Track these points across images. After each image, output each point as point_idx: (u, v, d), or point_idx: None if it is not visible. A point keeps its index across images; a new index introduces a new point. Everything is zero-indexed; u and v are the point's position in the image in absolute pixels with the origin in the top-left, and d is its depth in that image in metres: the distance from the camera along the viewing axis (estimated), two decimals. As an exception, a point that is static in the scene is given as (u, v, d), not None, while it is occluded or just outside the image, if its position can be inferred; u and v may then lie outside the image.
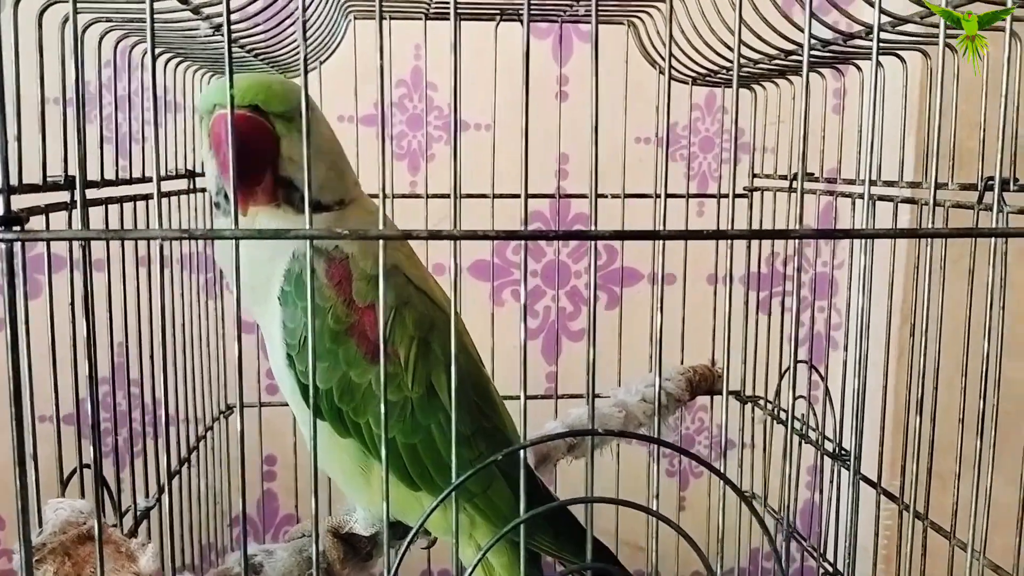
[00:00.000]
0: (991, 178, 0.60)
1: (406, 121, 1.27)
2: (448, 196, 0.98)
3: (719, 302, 1.02)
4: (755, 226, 0.99)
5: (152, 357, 0.72)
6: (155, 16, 0.47)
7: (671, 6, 0.50)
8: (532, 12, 0.93)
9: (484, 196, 0.98)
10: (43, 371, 0.55)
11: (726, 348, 0.53)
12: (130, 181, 0.69)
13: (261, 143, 0.58)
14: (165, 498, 0.69)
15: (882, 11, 0.55)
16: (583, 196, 0.98)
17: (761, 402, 1.02)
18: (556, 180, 1.08)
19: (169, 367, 0.82)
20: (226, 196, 0.61)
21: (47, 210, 0.54)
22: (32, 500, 0.49)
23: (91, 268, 0.52)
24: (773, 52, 0.74)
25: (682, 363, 1.01)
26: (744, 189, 1.02)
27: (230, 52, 0.44)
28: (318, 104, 0.92)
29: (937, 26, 0.52)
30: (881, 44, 0.67)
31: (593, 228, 0.50)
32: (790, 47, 0.72)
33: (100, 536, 0.48)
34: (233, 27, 0.68)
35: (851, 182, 0.83)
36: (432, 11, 0.91)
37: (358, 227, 0.61)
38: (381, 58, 0.47)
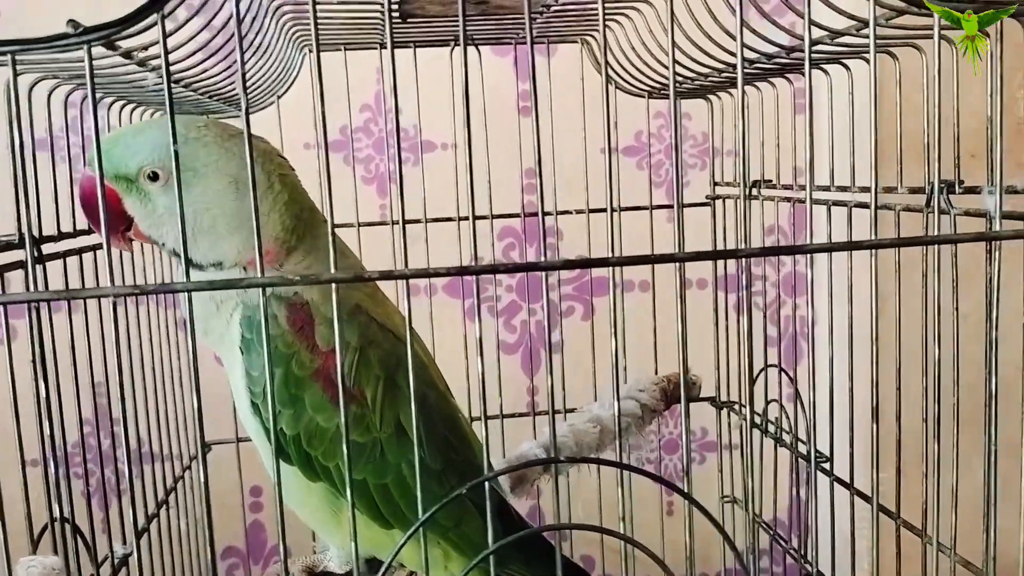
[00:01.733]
0: (944, 181, 0.61)
1: (372, 145, 1.28)
2: (414, 221, 0.99)
3: (688, 311, 1.02)
4: (719, 233, 1.00)
5: (123, 401, 0.72)
6: (101, 70, 0.48)
7: (603, 34, 0.51)
8: (486, 36, 0.94)
9: (450, 219, 0.99)
10: (7, 426, 0.55)
11: (680, 359, 0.54)
12: (88, 231, 0.69)
13: (108, 205, 0.59)
14: (144, 542, 0.69)
15: (818, 25, 0.56)
16: (548, 214, 0.99)
17: (736, 407, 1.02)
18: (523, 196, 1.08)
19: (145, 407, 0.82)
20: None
21: (2, 270, 0.54)
22: (2, 559, 0.49)
23: (51, 320, 0.52)
24: (720, 66, 0.75)
25: (656, 372, 1.02)
26: (707, 197, 1.03)
27: (172, 110, 0.44)
28: (276, 137, 0.93)
29: (868, 36, 0.53)
30: (823, 55, 0.69)
31: (543, 259, 0.50)
32: (733, 60, 0.73)
33: (70, 593, 0.49)
34: (182, 73, 0.69)
35: (802, 188, 0.84)
36: (385, 41, 0.92)
37: (309, 268, 0.62)
38: (323, 101, 0.48)
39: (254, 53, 0.76)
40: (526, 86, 1.21)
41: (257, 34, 0.73)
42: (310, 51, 0.93)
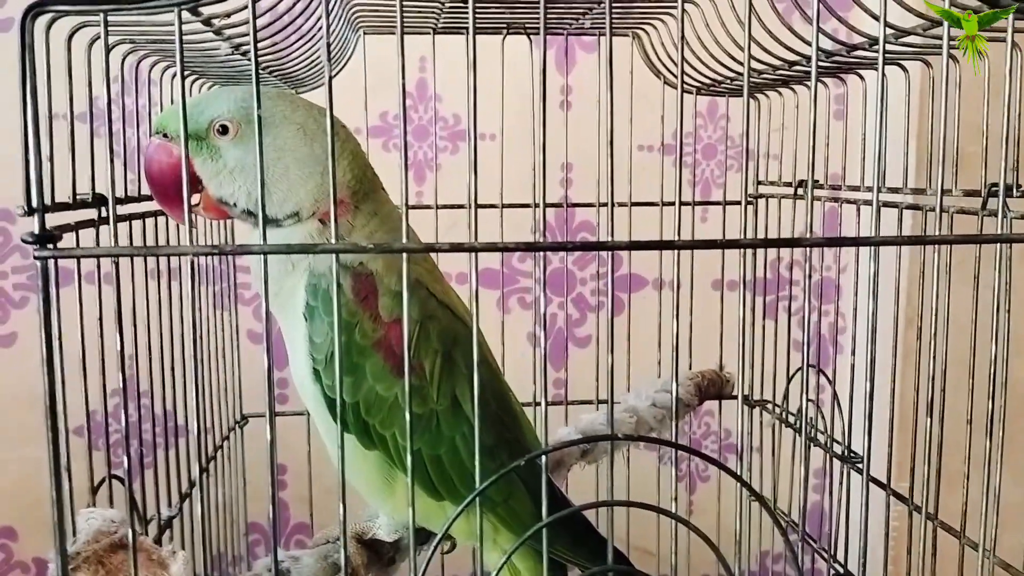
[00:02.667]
0: (995, 184, 0.61)
1: (412, 132, 1.29)
2: (456, 207, 1.00)
3: (726, 308, 1.03)
4: (760, 232, 1.00)
5: (172, 368, 0.74)
6: (180, 36, 0.48)
7: (682, 20, 0.51)
8: (539, 25, 0.95)
9: (493, 206, 1.00)
10: (69, 383, 0.56)
11: (741, 353, 0.54)
12: (152, 197, 0.70)
13: (169, 169, 0.60)
14: (187, 506, 0.70)
15: (886, 24, 0.57)
16: (591, 205, 1.00)
17: (769, 406, 1.03)
18: (563, 189, 1.09)
19: (189, 378, 0.83)
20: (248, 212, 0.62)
21: (77, 227, 0.56)
22: (67, 510, 0.50)
23: (119, 283, 0.54)
24: (777, 63, 0.75)
25: (690, 368, 1.02)
26: (749, 196, 1.03)
27: (257, 82, 0.45)
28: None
29: (940, 37, 0.54)
30: (887, 53, 0.69)
31: (610, 239, 0.51)
32: (793, 58, 0.73)
33: (134, 544, 0.50)
34: (249, 46, 0.70)
35: (855, 188, 0.84)
36: (441, 26, 0.93)
37: (374, 238, 0.63)
38: (403, 77, 0.49)
39: (311, 32, 0.77)
40: (569, 79, 1.22)
41: (317, 11, 0.74)
42: (365, 32, 0.94)
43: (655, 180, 1.01)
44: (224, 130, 0.61)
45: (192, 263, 0.48)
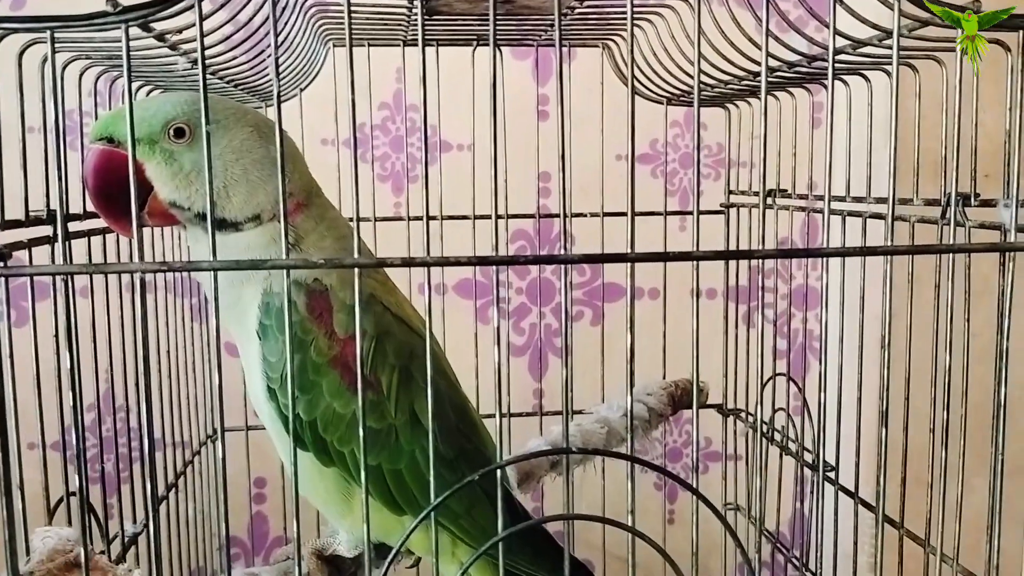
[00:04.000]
0: (951, 193, 0.62)
1: (389, 143, 1.29)
2: (431, 218, 1.00)
3: (701, 317, 1.03)
4: (732, 241, 1.00)
5: (137, 384, 0.73)
6: (133, 52, 0.48)
7: (632, 34, 0.51)
8: (509, 37, 0.95)
9: (465, 217, 1.00)
10: (28, 398, 0.56)
11: (695, 366, 0.54)
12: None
13: (115, 175, 0.57)
14: (152, 524, 0.69)
15: (841, 35, 0.57)
16: (557, 215, 1.00)
17: (743, 415, 1.03)
18: (538, 199, 1.09)
19: (155, 393, 0.83)
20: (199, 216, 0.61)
21: (30, 244, 0.55)
22: (20, 529, 0.50)
23: (75, 299, 0.53)
24: (741, 73, 0.76)
25: (664, 378, 1.02)
26: (721, 205, 1.04)
27: (206, 96, 0.45)
28: (296, 130, 0.94)
29: (890, 47, 0.54)
30: (844, 65, 0.70)
31: (565, 251, 0.51)
32: (756, 68, 0.74)
33: (87, 563, 0.49)
34: (210, 60, 0.70)
35: (824, 198, 0.84)
36: (410, 38, 0.93)
37: (325, 250, 0.62)
38: (353, 92, 0.49)
39: (280, 44, 0.77)
40: (544, 89, 1.22)
41: (285, 25, 0.74)
42: (334, 45, 0.94)
43: (636, 192, 1.01)
44: (180, 133, 0.59)
45: (142, 279, 0.48)
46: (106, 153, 0.58)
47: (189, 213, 0.61)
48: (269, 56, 0.76)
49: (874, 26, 0.59)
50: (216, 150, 0.59)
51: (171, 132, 0.59)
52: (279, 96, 0.47)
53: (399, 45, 0.95)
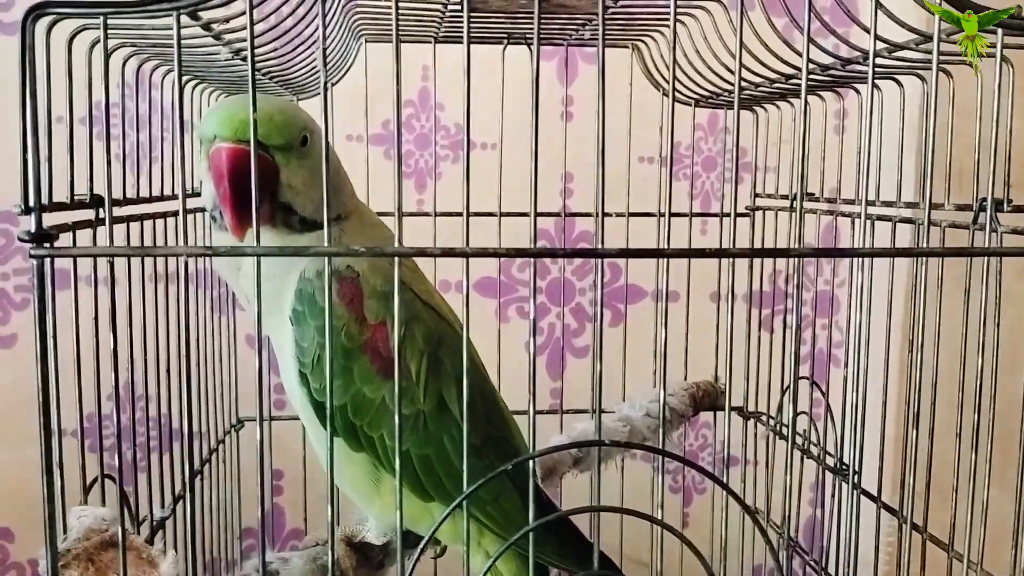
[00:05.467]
0: (986, 198, 0.62)
1: (414, 140, 1.29)
2: (455, 215, 1.01)
3: (722, 319, 1.03)
4: (757, 245, 1.01)
5: (168, 371, 0.74)
6: (180, 41, 0.49)
7: (675, 32, 0.52)
8: (540, 36, 0.95)
9: (491, 214, 1.00)
10: (63, 383, 0.57)
11: (728, 364, 0.55)
12: (150, 199, 0.71)
13: (261, 177, 0.57)
14: (180, 508, 0.70)
15: (879, 38, 0.57)
16: (588, 215, 1.00)
17: (764, 418, 1.03)
18: (561, 199, 1.10)
19: (183, 381, 0.84)
20: (222, 213, 0.62)
21: (74, 227, 0.56)
22: (58, 507, 0.51)
23: (113, 285, 0.54)
24: (774, 76, 0.76)
25: (685, 379, 1.03)
26: (746, 208, 1.04)
27: (254, 85, 0.46)
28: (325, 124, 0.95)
29: (926, 52, 0.54)
30: (878, 69, 0.70)
31: (600, 246, 0.52)
32: (790, 71, 0.74)
33: (124, 542, 0.50)
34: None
35: (851, 202, 0.85)
36: (442, 35, 0.94)
37: (363, 242, 0.64)
38: (399, 83, 0.49)
39: (314, 38, 0.78)
40: (570, 90, 1.23)
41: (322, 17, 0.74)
42: (367, 40, 0.94)
43: (656, 191, 1.01)
44: (305, 140, 0.61)
45: (186, 265, 0.49)
46: (248, 155, 0.56)
47: (295, 217, 0.62)
48: (306, 49, 0.77)
49: (911, 29, 0.59)
50: (318, 162, 0.60)
51: (302, 139, 0.61)
52: (326, 88, 0.48)
53: (431, 42, 0.95)
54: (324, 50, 0.48)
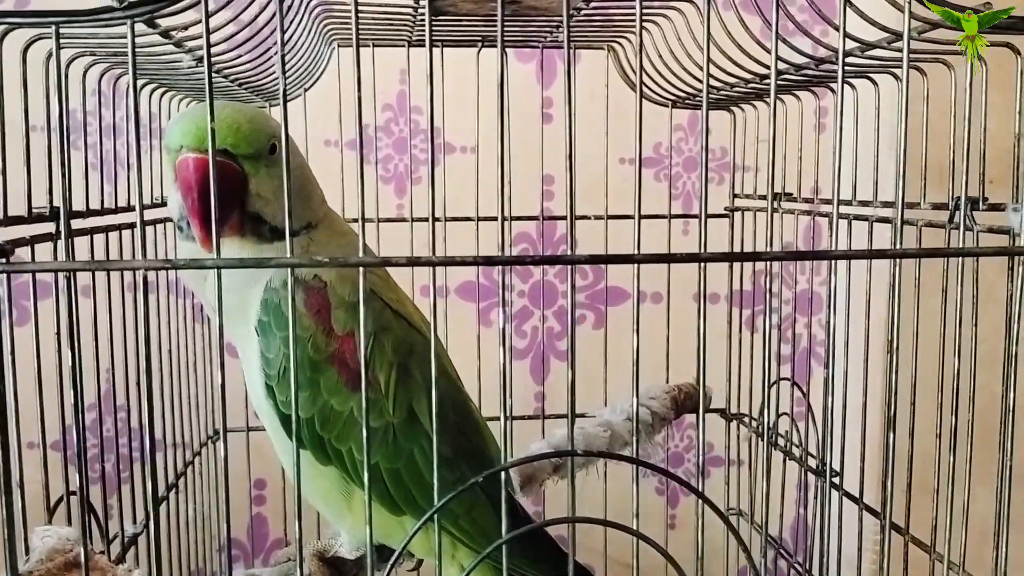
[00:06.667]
0: (960, 197, 0.61)
1: (392, 145, 1.28)
2: (437, 219, 1.00)
3: (703, 321, 1.03)
4: (736, 245, 1.00)
5: (138, 383, 0.73)
6: (138, 49, 0.48)
7: (640, 36, 0.51)
8: (514, 38, 0.95)
9: (468, 219, 0.99)
10: (29, 397, 0.56)
11: (700, 367, 0.54)
12: (115, 210, 0.70)
13: (229, 187, 0.58)
14: (152, 524, 0.69)
15: (850, 37, 0.56)
16: (564, 218, 0.99)
17: (746, 419, 1.03)
18: (540, 202, 1.09)
19: (156, 393, 0.83)
20: (189, 223, 0.61)
21: (32, 241, 0.55)
22: (19, 528, 0.49)
23: (77, 297, 0.53)
24: (748, 76, 0.75)
25: (667, 381, 1.02)
26: (725, 209, 1.03)
27: (211, 92, 0.45)
28: (300, 130, 0.94)
29: (899, 50, 0.53)
30: (852, 68, 0.69)
31: (570, 252, 0.51)
32: (764, 71, 0.73)
33: (87, 564, 0.49)
34: (216, 58, 0.69)
35: (829, 202, 0.84)
36: (415, 39, 0.93)
37: (330, 251, 0.63)
38: (360, 90, 0.48)
39: (285, 44, 0.77)
40: (548, 92, 1.22)
41: (290, 24, 0.74)
42: (339, 45, 0.93)
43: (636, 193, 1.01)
44: (274, 149, 0.60)
45: (145, 277, 0.48)
46: (220, 166, 0.57)
47: (265, 226, 0.61)
48: (274, 55, 0.76)
49: (883, 28, 0.58)
50: (292, 163, 0.59)
51: (270, 148, 0.60)
52: (285, 95, 0.47)
53: (404, 46, 0.95)
54: (283, 56, 0.47)
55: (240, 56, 0.71)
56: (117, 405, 0.75)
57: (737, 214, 1.02)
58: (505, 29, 0.88)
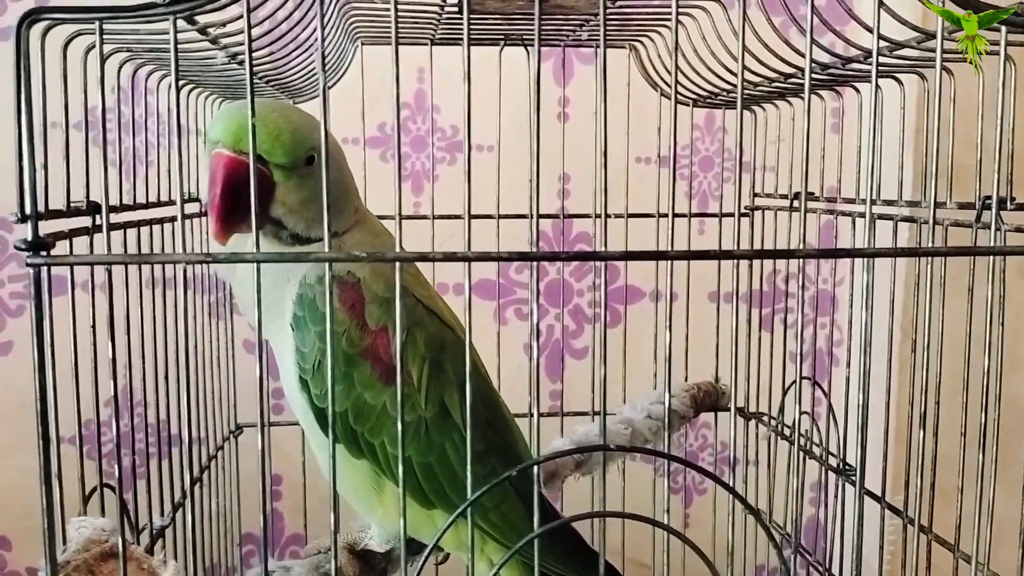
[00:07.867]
0: (989, 197, 0.61)
1: (410, 143, 1.29)
2: (453, 217, 1.00)
3: (722, 319, 1.03)
4: (756, 245, 1.00)
5: (167, 377, 0.73)
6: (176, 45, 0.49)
7: (676, 34, 0.51)
8: (539, 38, 0.95)
9: (490, 217, 1.00)
10: (61, 391, 0.56)
11: (733, 365, 0.54)
12: (146, 205, 0.70)
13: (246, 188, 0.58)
14: (179, 516, 0.70)
15: (880, 37, 0.57)
16: (587, 216, 1.00)
17: (765, 418, 1.03)
18: (560, 200, 1.09)
19: (182, 387, 0.83)
20: None
21: (71, 235, 0.56)
22: (58, 518, 0.50)
23: (112, 291, 0.53)
24: (773, 75, 0.76)
25: (686, 380, 1.02)
26: (745, 208, 1.03)
27: (252, 90, 0.45)
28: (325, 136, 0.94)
29: (934, 50, 0.54)
30: (882, 67, 0.69)
31: (603, 249, 0.51)
32: (789, 70, 0.74)
33: (124, 553, 0.49)
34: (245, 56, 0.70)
35: (851, 201, 0.84)
36: (438, 37, 0.93)
37: (360, 249, 0.63)
38: (398, 86, 0.49)
39: (310, 43, 0.77)
40: (567, 91, 1.23)
41: (317, 19, 0.74)
42: (363, 43, 0.94)
43: (653, 192, 1.01)
44: (310, 160, 0.60)
45: (184, 271, 0.48)
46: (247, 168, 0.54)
47: (284, 232, 0.61)
48: (302, 52, 0.77)
49: (913, 27, 0.59)
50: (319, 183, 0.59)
51: (307, 159, 0.60)
52: (326, 91, 0.47)
53: (427, 44, 0.95)
54: (323, 53, 0.47)
55: (272, 52, 0.71)
56: (134, 401, 0.75)
57: (757, 213, 1.02)
58: (528, 27, 0.89)
